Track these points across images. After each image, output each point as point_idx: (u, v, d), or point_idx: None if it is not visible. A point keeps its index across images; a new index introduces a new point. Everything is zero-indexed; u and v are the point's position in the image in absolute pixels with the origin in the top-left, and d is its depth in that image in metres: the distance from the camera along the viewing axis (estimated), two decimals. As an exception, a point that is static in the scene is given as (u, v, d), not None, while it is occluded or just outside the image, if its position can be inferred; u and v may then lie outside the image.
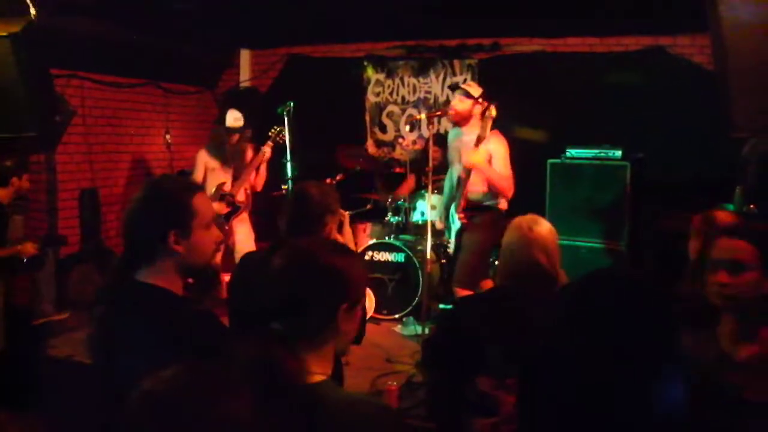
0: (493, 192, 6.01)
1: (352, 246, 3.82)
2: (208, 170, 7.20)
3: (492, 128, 5.80)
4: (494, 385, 3.02)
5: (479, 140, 5.73)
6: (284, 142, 6.81)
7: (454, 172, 6.25)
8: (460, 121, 6.10)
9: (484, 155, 5.83)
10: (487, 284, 5.95)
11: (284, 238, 3.41)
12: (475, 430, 3.07)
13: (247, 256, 3.92)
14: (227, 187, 7.12)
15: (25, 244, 6.55)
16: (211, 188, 7.08)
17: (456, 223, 6.14)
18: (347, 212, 3.81)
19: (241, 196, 7.22)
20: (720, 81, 5.19)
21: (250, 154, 7.30)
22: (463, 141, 6.07)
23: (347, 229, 3.73)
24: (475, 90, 6.09)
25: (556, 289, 3.18)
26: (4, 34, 5.35)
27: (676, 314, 2.04)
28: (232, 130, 7.14)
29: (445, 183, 6.59)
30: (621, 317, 1.96)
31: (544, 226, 3.26)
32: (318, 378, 1.96)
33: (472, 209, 6.03)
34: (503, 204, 6.11)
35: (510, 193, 5.99)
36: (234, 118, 7.14)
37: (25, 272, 7.20)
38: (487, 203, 6.08)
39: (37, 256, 6.93)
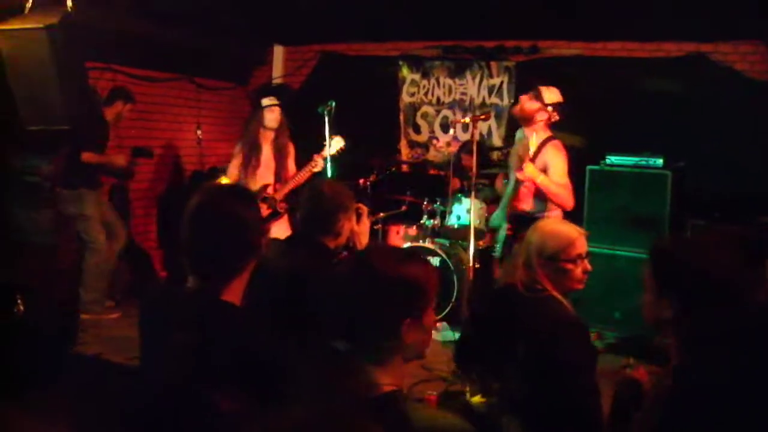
0: (544, 202, 5.83)
1: (365, 239, 3.87)
2: (245, 166, 7.02)
3: (550, 138, 5.71)
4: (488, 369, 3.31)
5: (530, 154, 5.65)
6: (341, 153, 6.67)
7: (512, 178, 6.10)
8: (522, 119, 5.96)
9: (540, 166, 5.67)
10: None
11: (301, 233, 3.78)
12: (475, 405, 3.44)
13: (267, 245, 3.95)
14: (271, 190, 6.98)
15: (118, 154, 7.31)
16: (253, 186, 6.96)
17: (503, 229, 6.01)
18: (366, 207, 3.96)
19: (282, 203, 7.03)
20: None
21: (291, 151, 7.14)
22: (525, 145, 5.93)
23: (365, 220, 3.86)
24: (550, 96, 5.89)
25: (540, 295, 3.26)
26: (41, 26, 5.29)
27: None
28: (268, 106, 6.98)
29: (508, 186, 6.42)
30: None
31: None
32: (388, 388, 1.90)
33: (518, 220, 5.86)
34: (558, 216, 5.86)
35: (569, 204, 5.74)
36: (268, 99, 7.04)
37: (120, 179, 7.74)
38: (537, 214, 5.87)
39: (127, 167, 7.44)
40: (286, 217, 7.18)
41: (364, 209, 3.86)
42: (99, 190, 7.41)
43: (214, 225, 2.33)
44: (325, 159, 6.73)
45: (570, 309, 3.27)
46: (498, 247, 6.17)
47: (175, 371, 2.21)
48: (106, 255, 7.20)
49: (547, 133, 5.79)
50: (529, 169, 5.59)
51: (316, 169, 6.81)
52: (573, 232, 3.37)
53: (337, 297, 1.98)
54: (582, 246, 3.36)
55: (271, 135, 7.01)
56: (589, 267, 3.38)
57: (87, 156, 7.07)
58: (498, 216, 6.33)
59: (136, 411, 2.43)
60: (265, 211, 6.88)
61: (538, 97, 5.88)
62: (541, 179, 5.62)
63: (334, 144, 6.69)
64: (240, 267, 2.36)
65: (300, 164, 7.03)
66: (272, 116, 6.97)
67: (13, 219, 7.75)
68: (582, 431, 3.01)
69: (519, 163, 5.92)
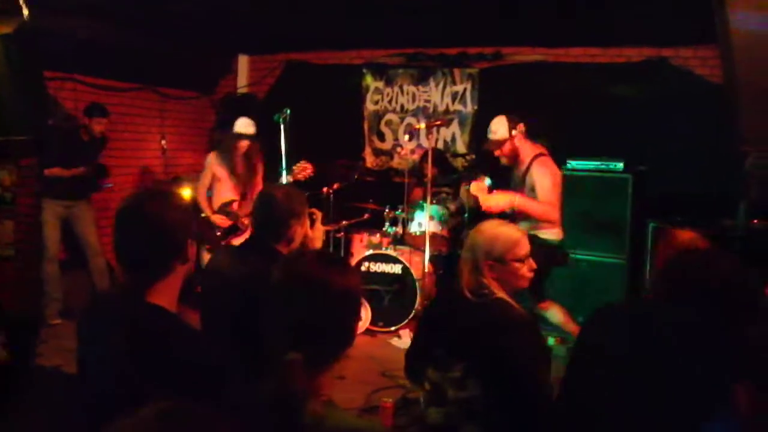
0: (539, 223, 5.81)
1: (319, 244, 3.94)
2: (215, 179, 7.04)
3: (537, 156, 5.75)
4: (441, 377, 3.19)
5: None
6: (307, 179, 6.64)
7: None
8: (514, 162, 5.91)
9: (529, 185, 5.70)
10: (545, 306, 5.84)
11: (253, 240, 3.73)
12: (429, 418, 3.25)
13: (219, 252, 3.98)
14: (235, 206, 6.97)
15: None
16: (217, 201, 6.97)
17: None
18: (320, 212, 4.06)
19: (245, 218, 7.02)
20: (728, 93, 5.12)
21: (260, 167, 7.14)
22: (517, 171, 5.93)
23: (318, 226, 3.93)
24: (501, 129, 5.84)
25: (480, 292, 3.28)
26: (-4, 35, 5.27)
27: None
28: (243, 136, 6.93)
29: None
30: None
31: (484, 227, 3.41)
32: (323, 399, 1.92)
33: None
34: (551, 234, 5.86)
35: (556, 219, 5.78)
36: (245, 124, 6.95)
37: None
38: (537, 233, 5.75)
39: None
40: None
41: (318, 214, 3.91)
42: (68, 202, 7.42)
43: (136, 227, 2.34)
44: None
45: (519, 308, 3.30)
46: None
47: (105, 374, 2.22)
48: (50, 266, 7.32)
49: (534, 150, 5.80)
50: (492, 201, 5.59)
51: None
52: (516, 232, 3.41)
53: (293, 311, 1.96)
54: (526, 245, 3.39)
55: (242, 152, 7.00)
56: (534, 265, 3.41)
57: (49, 171, 7.18)
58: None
59: (77, 419, 2.43)
60: (225, 222, 6.88)
61: (497, 143, 5.86)
62: (517, 201, 5.60)
63: (299, 171, 6.64)
64: (164, 268, 2.35)
65: (267, 177, 7.05)
66: (244, 145, 6.97)
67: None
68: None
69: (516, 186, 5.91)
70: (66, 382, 5.76)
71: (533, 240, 5.54)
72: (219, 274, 3.61)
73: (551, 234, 5.82)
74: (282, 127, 6.52)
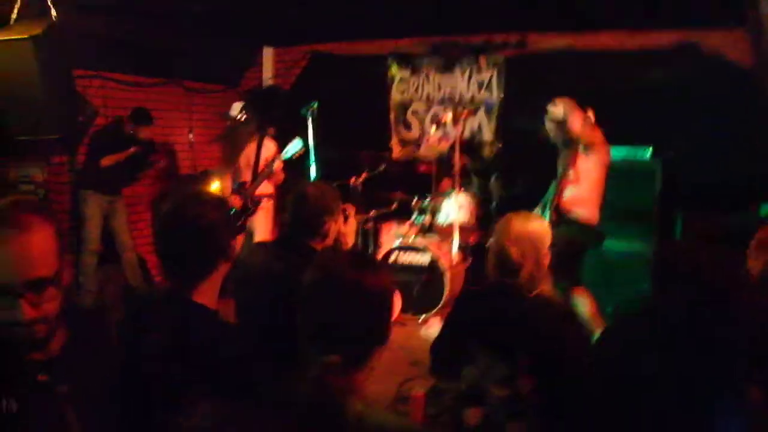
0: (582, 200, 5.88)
1: (352, 239, 3.95)
2: (230, 164, 7.21)
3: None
4: (481, 377, 3.17)
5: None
6: (305, 154, 6.72)
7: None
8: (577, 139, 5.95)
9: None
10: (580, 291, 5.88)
11: (288, 236, 3.77)
12: (467, 420, 3.21)
13: (254, 249, 4.02)
14: (248, 185, 7.07)
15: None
16: (232, 185, 7.13)
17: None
18: (353, 207, 4.02)
19: (258, 197, 7.12)
20: (759, 77, 5.08)
21: (270, 150, 7.21)
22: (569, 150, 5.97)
23: (351, 221, 3.91)
24: (558, 111, 5.98)
25: (535, 286, 3.33)
26: (26, 36, 5.32)
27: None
28: (229, 117, 7.24)
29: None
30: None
31: (524, 222, 3.38)
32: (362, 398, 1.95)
33: (559, 220, 5.85)
34: (586, 216, 5.96)
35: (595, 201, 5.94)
36: (234, 107, 7.25)
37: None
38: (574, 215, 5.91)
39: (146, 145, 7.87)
40: (270, 211, 7.26)
41: (351, 210, 3.90)
42: (109, 196, 7.64)
43: (181, 230, 2.41)
44: (283, 162, 6.87)
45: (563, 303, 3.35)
46: None
47: (150, 372, 2.27)
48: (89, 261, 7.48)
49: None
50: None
51: (276, 167, 6.91)
52: None
53: (333, 315, 1.98)
54: None
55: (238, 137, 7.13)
56: None
57: (104, 160, 7.43)
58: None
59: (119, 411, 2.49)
60: (238, 203, 6.96)
61: (554, 119, 5.96)
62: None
63: (291, 148, 6.72)
64: (208, 269, 2.43)
65: (294, 169, 7.13)
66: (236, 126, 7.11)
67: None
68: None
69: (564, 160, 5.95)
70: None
71: (568, 219, 5.60)
72: (254, 271, 3.65)
73: (587, 213, 5.88)
74: (310, 120, 6.56)
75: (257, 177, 7.04)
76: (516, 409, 3.08)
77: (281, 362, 2.51)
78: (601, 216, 6.71)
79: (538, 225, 3.40)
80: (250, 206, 7.03)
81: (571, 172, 5.76)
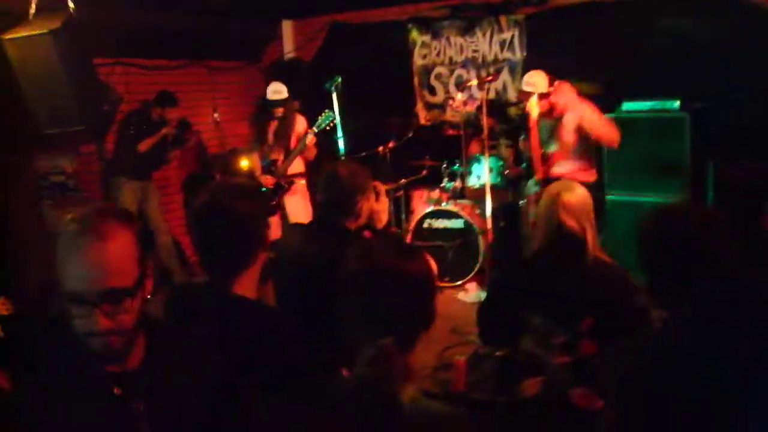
0: (579, 162, 5.92)
1: (385, 216, 3.95)
2: (260, 141, 7.21)
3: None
4: (538, 346, 3.26)
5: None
6: (333, 126, 6.73)
7: (547, 145, 6.26)
8: (550, 115, 6.05)
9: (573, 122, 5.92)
10: None
11: (321, 217, 3.80)
12: (524, 389, 3.24)
13: (288, 231, 4.04)
14: (279, 164, 7.07)
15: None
16: (263, 164, 7.11)
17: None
18: (389, 184, 3.97)
19: (290, 176, 7.14)
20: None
21: (301, 125, 7.21)
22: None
23: (383, 199, 3.92)
24: (541, 82, 6.01)
25: (586, 254, 3.41)
26: (45, 31, 5.33)
27: None
28: (273, 103, 7.05)
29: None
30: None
31: (575, 192, 3.47)
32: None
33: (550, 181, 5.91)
34: (591, 176, 6.11)
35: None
36: (273, 91, 7.05)
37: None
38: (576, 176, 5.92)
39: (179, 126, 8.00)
40: (304, 193, 7.26)
41: (381, 187, 3.90)
42: (142, 182, 7.73)
43: (218, 223, 2.43)
44: (315, 134, 6.90)
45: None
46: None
47: (192, 365, 2.28)
48: None
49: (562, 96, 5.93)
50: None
51: (309, 142, 6.91)
52: None
53: (387, 301, 2.00)
54: None
55: (279, 114, 7.09)
56: None
57: (142, 145, 7.52)
58: (533, 182, 6.40)
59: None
60: (270, 183, 6.98)
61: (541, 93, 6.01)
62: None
63: (322, 120, 6.74)
64: (248, 261, 2.45)
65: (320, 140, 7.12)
66: (277, 110, 7.09)
67: (43, 219, 7.90)
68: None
69: (550, 135, 6.01)
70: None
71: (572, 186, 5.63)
72: (290, 253, 3.68)
73: (589, 176, 6.06)
74: (334, 95, 6.54)
75: (290, 153, 7.05)
76: (579, 375, 3.10)
77: (324, 345, 2.54)
78: (633, 170, 6.69)
79: (582, 191, 3.46)
80: (284, 185, 7.06)
81: (556, 146, 5.85)
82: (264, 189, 6.94)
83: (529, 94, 6.03)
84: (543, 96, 5.96)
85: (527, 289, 3.42)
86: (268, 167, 7.05)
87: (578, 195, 3.43)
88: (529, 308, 3.29)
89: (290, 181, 7.09)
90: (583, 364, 3.12)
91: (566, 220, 3.35)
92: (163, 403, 1.96)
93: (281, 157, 7.09)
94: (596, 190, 5.84)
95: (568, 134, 6.03)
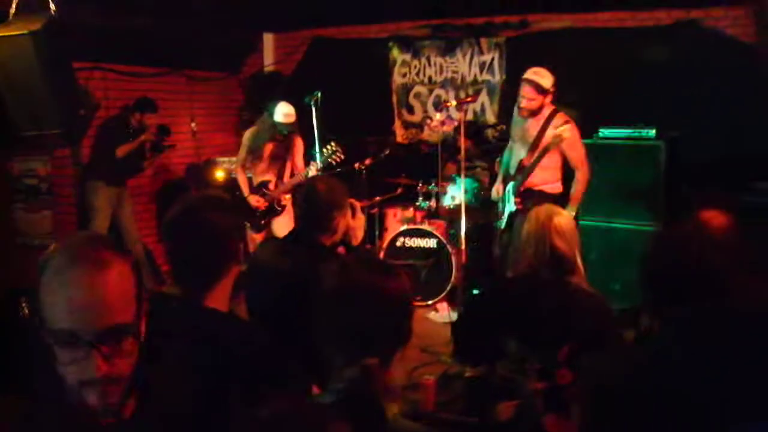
0: (554, 175, 5.98)
1: (361, 233, 3.91)
2: (254, 157, 7.07)
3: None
4: (513, 370, 3.23)
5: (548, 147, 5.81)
6: (338, 162, 6.71)
7: (517, 151, 6.19)
8: (531, 114, 5.98)
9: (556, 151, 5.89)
10: None
11: (298, 230, 3.75)
12: (499, 414, 3.20)
13: (262, 245, 4.02)
14: (271, 186, 7.01)
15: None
16: (255, 181, 7.04)
17: (511, 204, 6.07)
18: (364, 201, 3.96)
19: (284, 196, 7.07)
20: (762, 53, 5.05)
21: (299, 147, 7.13)
22: (530, 123, 6.01)
23: (360, 216, 3.87)
24: (547, 80, 5.92)
25: (574, 279, 3.39)
26: (26, 32, 5.29)
27: None
28: (282, 127, 6.83)
29: (504, 154, 6.52)
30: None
31: (563, 216, 3.47)
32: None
33: (529, 194, 5.95)
34: (559, 187, 6.11)
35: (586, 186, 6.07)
36: (284, 114, 6.76)
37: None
38: (543, 187, 6.02)
39: (156, 140, 7.97)
40: (290, 211, 7.21)
41: (357, 204, 3.87)
42: (117, 188, 7.65)
43: (189, 235, 2.39)
44: (319, 169, 6.79)
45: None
46: (502, 221, 6.24)
47: (170, 382, 2.25)
48: None
49: (550, 108, 5.89)
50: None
51: (310, 174, 6.84)
52: None
53: (373, 320, 1.98)
54: None
55: (280, 138, 6.98)
56: None
57: (119, 150, 7.44)
58: (500, 189, 6.39)
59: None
60: (261, 204, 6.92)
61: (538, 89, 5.88)
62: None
63: (328, 154, 6.70)
64: (220, 274, 2.41)
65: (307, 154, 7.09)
66: (284, 131, 6.92)
67: (16, 223, 7.84)
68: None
69: (523, 136, 6.00)
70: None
71: (541, 195, 5.72)
72: (264, 267, 3.66)
73: (556, 188, 6.10)
74: (314, 109, 6.52)
75: (282, 176, 7.00)
76: (553, 402, 3.09)
77: (296, 360, 2.52)
78: (607, 195, 6.75)
79: (569, 215, 3.49)
80: (278, 208, 7.01)
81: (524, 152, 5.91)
82: (256, 212, 6.92)
83: (528, 82, 5.96)
84: (541, 92, 5.91)
85: (507, 311, 3.41)
86: (259, 188, 6.99)
87: (567, 219, 3.45)
88: (507, 330, 3.29)
89: (283, 205, 7.02)
90: (558, 391, 3.11)
91: (558, 245, 3.33)
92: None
93: (274, 179, 7.03)
94: (563, 203, 5.86)
95: (548, 145, 5.96)
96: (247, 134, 7.11)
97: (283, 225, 7.07)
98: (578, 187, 5.94)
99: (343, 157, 6.72)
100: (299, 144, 7.14)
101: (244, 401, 2.16)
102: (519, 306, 3.39)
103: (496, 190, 6.45)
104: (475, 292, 6.51)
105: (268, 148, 7.00)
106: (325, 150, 6.71)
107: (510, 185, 6.15)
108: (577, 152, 5.94)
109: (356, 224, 3.80)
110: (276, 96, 7.27)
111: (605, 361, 2.44)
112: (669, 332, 2.28)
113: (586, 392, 2.42)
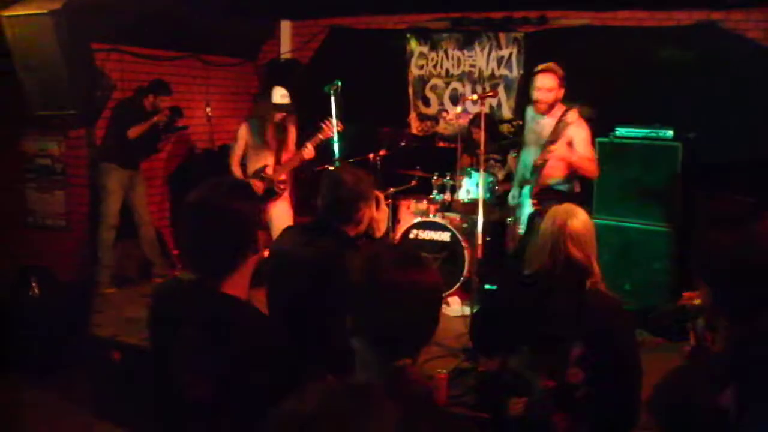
0: (569, 175, 5.94)
1: (383, 226, 3.89)
2: (249, 146, 7.07)
3: (567, 110, 5.79)
4: (525, 368, 3.23)
5: (557, 135, 5.72)
6: (330, 137, 6.70)
7: (530, 153, 6.17)
8: (549, 108, 5.96)
9: (564, 144, 5.76)
10: None
11: (322, 219, 3.65)
12: (509, 409, 3.24)
13: (285, 233, 3.97)
14: (269, 170, 7.00)
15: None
16: (251, 168, 7.01)
17: (528, 206, 6.05)
18: (382, 192, 4.04)
19: (281, 183, 7.07)
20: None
21: (293, 132, 7.16)
22: (541, 124, 6.01)
23: (383, 208, 3.85)
24: (560, 72, 5.93)
25: (590, 281, 3.32)
26: (45, 11, 5.29)
27: None
28: (279, 107, 6.91)
29: (519, 160, 6.52)
30: None
31: (579, 219, 3.38)
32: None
33: (545, 194, 5.92)
34: (577, 187, 6.10)
35: (596, 174, 6.03)
36: (281, 95, 6.92)
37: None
38: (561, 187, 6.00)
39: (168, 121, 7.81)
40: (287, 198, 7.20)
41: (382, 196, 3.85)
42: (131, 171, 7.60)
43: (208, 222, 2.36)
44: (317, 145, 6.83)
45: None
46: (522, 225, 6.21)
47: (186, 367, 2.24)
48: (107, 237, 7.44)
49: (561, 108, 5.82)
50: (561, 150, 5.70)
51: (307, 157, 6.87)
52: None
53: (406, 316, 1.94)
54: None
55: (277, 120, 7.00)
56: None
57: (132, 132, 7.36)
58: (516, 194, 6.37)
59: (160, 404, 2.49)
60: (260, 188, 6.91)
61: (556, 79, 5.92)
62: (575, 158, 5.78)
63: (328, 128, 6.71)
64: (238, 261, 2.38)
65: (301, 142, 7.05)
66: (280, 115, 6.96)
67: (27, 202, 7.85)
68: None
69: (536, 139, 5.98)
70: (123, 351, 5.88)
71: (556, 193, 5.69)
72: (286, 255, 3.61)
73: (569, 186, 6.09)
74: (333, 99, 6.50)
75: (279, 160, 7.01)
76: (563, 401, 3.08)
77: (315, 350, 2.51)
78: (623, 195, 6.71)
79: (585, 216, 3.41)
80: (277, 190, 7.01)
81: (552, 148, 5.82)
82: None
83: (545, 72, 5.96)
84: (558, 82, 5.90)
85: (522, 309, 3.37)
86: (257, 173, 6.98)
87: (582, 221, 3.37)
88: (522, 327, 3.26)
89: (282, 188, 7.03)
90: (568, 391, 3.10)
91: (573, 251, 3.27)
92: None
93: (272, 163, 7.03)
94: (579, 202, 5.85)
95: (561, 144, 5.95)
96: (244, 127, 7.14)
97: (281, 212, 7.09)
98: (579, 161, 5.87)
99: (342, 126, 6.71)
100: (294, 132, 7.20)
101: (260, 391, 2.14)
102: (533, 304, 3.34)
103: (512, 195, 6.44)
104: (487, 287, 6.49)
105: (266, 135, 7.01)
106: (323, 125, 6.72)
107: (526, 188, 6.14)
108: (583, 141, 5.89)
109: (380, 216, 3.78)
110: (287, 82, 7.27)
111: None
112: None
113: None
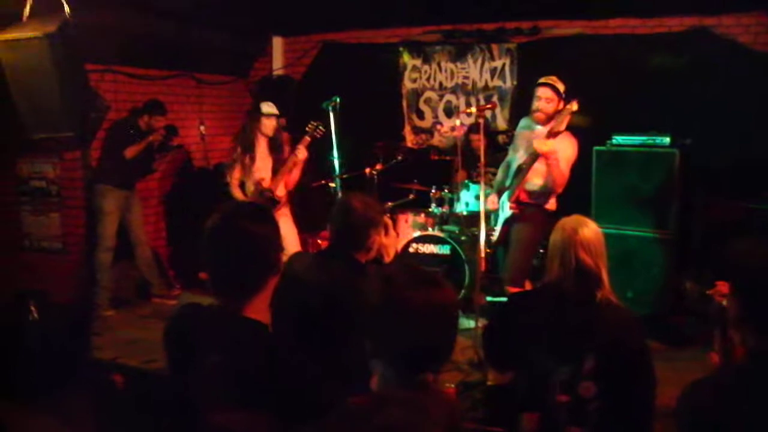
0: (548, 189, 5.94)
1: (392, 251, 3.87)
2: (245, 165, 7.04)
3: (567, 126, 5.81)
4: (537, 381, 3.20)
5: (555, 134, 5.75)
6: (322, 136, 6.68)
7: (515, 159, 6.21)
8: (548, 119, 5.98)
9: (552, 146, 5.76)
10: (527, 285, 6.05)
11: (332, 248, 3.73)
12: (524, 425, 3.20)
13: (296, 258, 3.96)
14: (266, 183, 6.97)
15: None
16: (250, 185, 6.98)
17: (506, 211, 6.04)
18: (389, 216, 4.08)
19: (280, 191, 7.04)
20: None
21: (286, 150, 7.14)
22: (536, 132, 6.02)
23: (392, 233, 3.85)
24: (561, 86, 5.97)
25: (600, 292, 3.27)
26: (40, 34, 5.25)
27: None
28: (268, 115, 6.95)
29: (502, 165, 6.54)
30: None
31: (590, 228, 3.34)
32: None
33: (523, 203, 5.93)
34: (552, 204, 6.11)
35: (560, 189, 5.96)
36: (268, 106, 6.98)
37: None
38: (538, 201, 6.03)
39: (164, 141, 7.79)
40: (289, 213, 7.16)
41: (390, 222, 3.87)
42: (127, 191, 7.60)
43: (231, 246, 2.34)
44: (308, 145, 6.84)
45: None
46: (497, 228, 6.24)
47: (208, 392, 2.22)
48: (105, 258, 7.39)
49: (565, 119, 5.89)
50: (549, 144, 5.71)
51: (300, 158, 6.85)
52: None
53: (435, 334, 1.97)
54: None
55: (268, 131, 7.00)
56: None
57: (128, 152, 7.38)
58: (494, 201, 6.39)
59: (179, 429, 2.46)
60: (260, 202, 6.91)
61: (558, 91, 5.97)
62: (554, 157, 5.77)
63: (310, 130, 6.72)
64: (260, 285, 2.37)
65: (311, 160, 7.05)
66: (270, 124, 6.97)
67: (23, 225, 7.81)
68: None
69: (526, 145, 5.99)
70: (124, 374, 5.83)
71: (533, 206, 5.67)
72: (299, 279, 3.59)
73: (549, 205, 6.12)
74: (332, 115, 6.50)
75: (278, 171, 7.00)
76: (576, 415, 3.06)
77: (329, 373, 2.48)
78: (621, 202, 6.71)
79: (595, 226, 3.37)
80: (275, 200, 6.99)
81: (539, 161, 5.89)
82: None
83: (547, 84, 5.98)
84: (559, 95, 5.93)
85: (532, 322, 3.34)
86: (256, 189, 6.96)
87: (593, 230, 3.33)
88: (534, 340, 3.24)
89: (279, 197, 7.01)
90: (581, 405, 3.08)
91: (584, 258, 3.22)
92: None
93: (268, 176, 7.01)
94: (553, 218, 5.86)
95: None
96: (236, 146, 7.16)
97: (286, 228, 7.04)
98: (556, 170, 5.85)
99: (324, 131, 6.74)
100: (287, 147, 7.19)
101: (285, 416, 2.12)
102: (544, 317, 3.31)
103: (491, 201, 6.41)
104: (489, 299, 6.47)
105: (261, 144, 7.02)
106: (308, 128, 6.72)
107: (505, 194, 6.17)
108: (566, 159, 5.88)
109: (389, 242, 3.78)
110: (280, 98, 7.30)
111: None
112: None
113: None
